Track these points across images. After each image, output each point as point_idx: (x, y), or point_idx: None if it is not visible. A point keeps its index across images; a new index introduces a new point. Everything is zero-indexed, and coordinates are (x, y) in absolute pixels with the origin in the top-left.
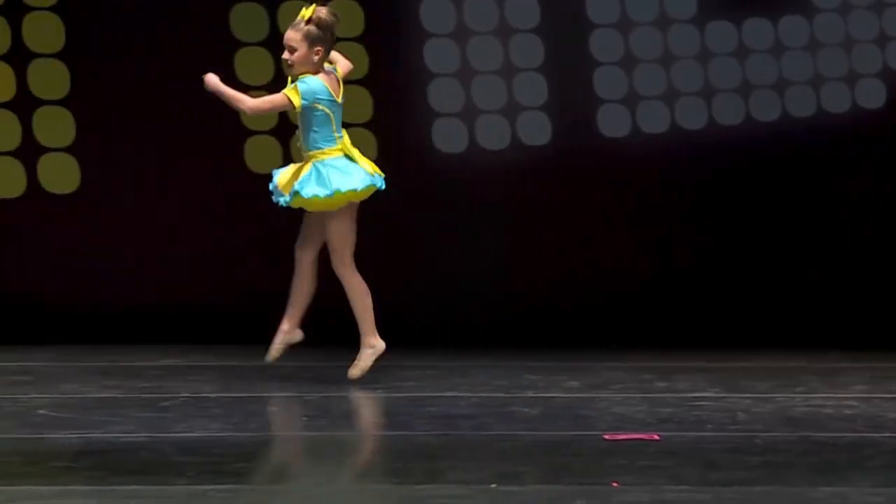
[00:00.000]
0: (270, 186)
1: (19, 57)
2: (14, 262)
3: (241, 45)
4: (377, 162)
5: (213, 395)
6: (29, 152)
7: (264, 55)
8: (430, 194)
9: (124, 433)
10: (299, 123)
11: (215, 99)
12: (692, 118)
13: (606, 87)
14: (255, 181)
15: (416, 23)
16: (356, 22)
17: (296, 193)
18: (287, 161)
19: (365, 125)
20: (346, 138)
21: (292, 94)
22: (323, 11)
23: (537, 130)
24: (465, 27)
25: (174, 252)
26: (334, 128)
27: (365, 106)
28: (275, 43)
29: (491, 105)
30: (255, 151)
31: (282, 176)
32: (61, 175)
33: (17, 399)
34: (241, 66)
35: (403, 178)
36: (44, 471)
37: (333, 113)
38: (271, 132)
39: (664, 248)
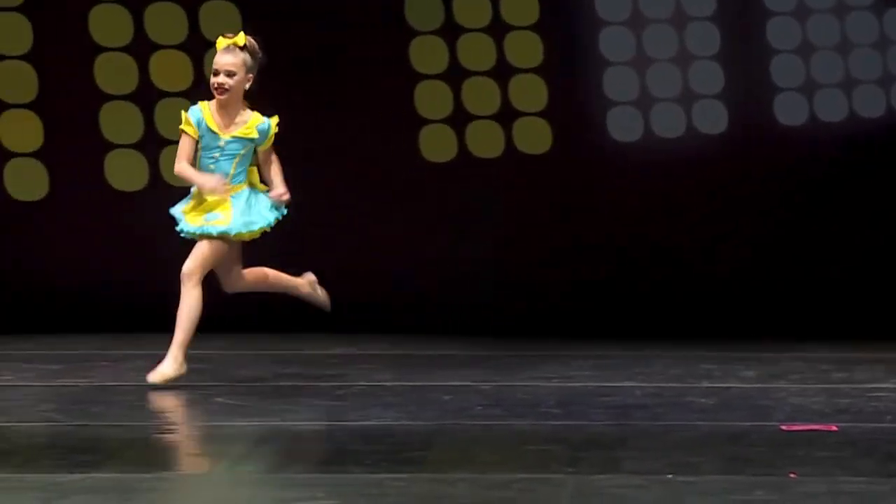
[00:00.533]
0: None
1: (197, 46)
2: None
3: (415, 34)
4: (552, 150)
5: (389, 383)
6: None
7: (439, 44)
8: (606, 182)
9: (301, 421)
10: (236, 158)
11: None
12: (870, 106)
13: (783, 75)
14: (429, 169)
15: (591, 11)
16: (531, 10)
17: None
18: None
19: (539, 114)
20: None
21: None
22: (251, 39)
23: (713, 119)
24: (640, 15)
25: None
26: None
27: (539, 94)
28: (449, 32)
29: (666, 93)
30: (430, 140)
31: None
32: None
33: (194, 387)
34: (415, 55)
35: (579, 166)
36: (223, 458)
37: None
38: (445, 121)
39: (845, 237)
